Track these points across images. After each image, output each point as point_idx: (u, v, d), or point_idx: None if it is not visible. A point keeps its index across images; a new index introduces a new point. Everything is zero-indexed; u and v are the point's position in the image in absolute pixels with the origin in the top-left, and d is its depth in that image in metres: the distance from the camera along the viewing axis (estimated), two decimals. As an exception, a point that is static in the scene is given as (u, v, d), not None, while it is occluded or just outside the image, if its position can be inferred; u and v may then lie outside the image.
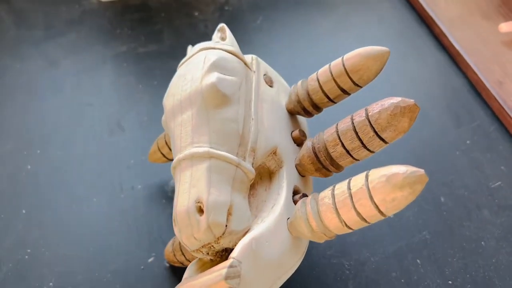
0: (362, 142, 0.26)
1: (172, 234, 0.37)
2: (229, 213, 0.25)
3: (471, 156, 0.43)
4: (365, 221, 0.23)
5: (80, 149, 0.43)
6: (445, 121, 0.45)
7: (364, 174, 0.23)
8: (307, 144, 0.29)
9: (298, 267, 0.28)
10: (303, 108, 0.32)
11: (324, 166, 0.28)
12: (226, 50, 0.31)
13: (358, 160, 0.27)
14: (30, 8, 0.57)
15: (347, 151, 0.27)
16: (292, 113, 0.33)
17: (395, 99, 0.24)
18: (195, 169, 0.27)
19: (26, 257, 0.36)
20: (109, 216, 0.39)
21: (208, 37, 0.53)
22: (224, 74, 0.29)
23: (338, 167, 0.28)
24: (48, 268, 0.36)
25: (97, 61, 0.51)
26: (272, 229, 0.26)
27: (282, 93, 0.34)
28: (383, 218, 0.22)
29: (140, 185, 0.41)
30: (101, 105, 0.46)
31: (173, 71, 0.49)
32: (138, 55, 0.51)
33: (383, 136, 0.25)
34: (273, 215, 0.27)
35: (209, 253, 0.26)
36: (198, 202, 0.25)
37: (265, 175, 0.30)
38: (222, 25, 0.34)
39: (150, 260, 0.36)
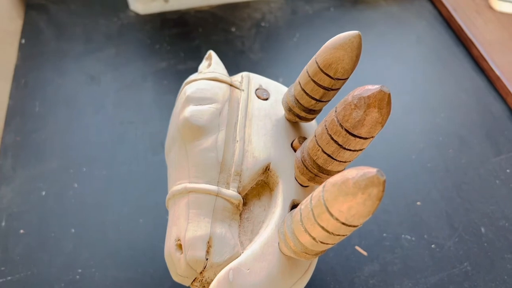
0: (338, 144, 0.24)
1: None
2: (209, 246, 0.26)
3: (511, 186, 0.43)
4: (334, 234, 0.21)
5: (124, 168, 0.44)
6: (484, 148, 0.46)
7: (323, 184, 0.21)
8: (297, 154, 0.28)
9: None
10: (297, 115, 0.30)
11: (316, 174, 0.26)
12: (207, 78, 0.31)
13: (346, 161, 0.25)
14: (69, 20, 0.58)
15: (329, 155, 0.25)
16: (291, 121, 0.32)
17: (359, 90, 0.22)
18: (176, 207, 0.28)
19: (77, 277, 0.37)
20: (155, 238, 0.39)
21: (245, 55, 0.54)
22: (201, 104, 0.30)
23: (329, 173, 0.26)
24: (99, 290, 0.37)
25: (137, 78, 0.52)
26: (257, 254, 0.26)
27: (280, 103, 0.33)
28: (353, 228, 0.20)
29: (184, 206, 0.41)
30: (143, 123, 0.47)
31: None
32: (178, 72, 0.52)
33: (355, 133, 0.23)
34: (262, 237, 0.26)
35: (205, 286, 0.27)
36: (178, 240, 0.26)
37: (265, 193, 0.30)
38: (209, 52, 0.35)
39: (196, 284, 0.37)
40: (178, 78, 0.51)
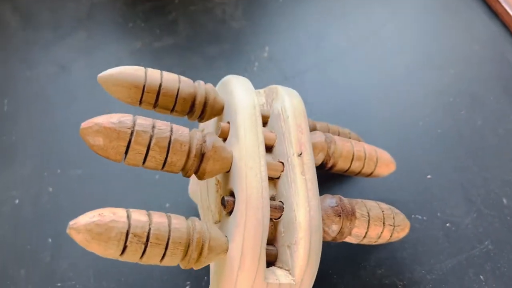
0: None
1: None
2: None
3: (536, 147, 0.38)
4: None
5: (101, 167, 0.40)
6: (502, 105, 0.41)
7: None
8: None
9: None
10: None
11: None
12: None
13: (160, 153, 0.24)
14: (35, 6, 0.54)
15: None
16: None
17: None
18: None
19: (57, 292, 0.34)
20: (138, 241, 0.36)
21: (227, 24, 0.49)
22: None
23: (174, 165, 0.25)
24: (81, 304, 0.34)
25: (112, 62, 0.47)
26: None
27: None
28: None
29: (168, 203, 0.38)
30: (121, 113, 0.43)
31: (193, 66, 0.46)
32: (154, 51, 0.47)
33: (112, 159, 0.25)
34: None
35: None
36: None
37: None
38: None
39: (185, 289, 0.34)
40: (155, 58, 0.47)
